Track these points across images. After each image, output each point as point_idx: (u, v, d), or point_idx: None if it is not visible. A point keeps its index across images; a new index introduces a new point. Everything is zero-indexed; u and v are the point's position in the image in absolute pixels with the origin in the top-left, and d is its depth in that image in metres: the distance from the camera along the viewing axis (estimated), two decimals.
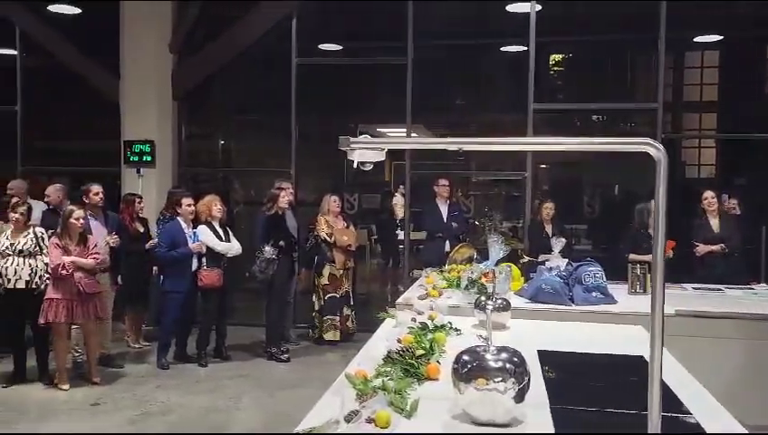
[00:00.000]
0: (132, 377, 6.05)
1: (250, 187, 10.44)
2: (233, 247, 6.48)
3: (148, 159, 8.00)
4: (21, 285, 5.50)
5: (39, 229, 5.68)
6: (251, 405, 5.41)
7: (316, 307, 7.25)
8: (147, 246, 6.67)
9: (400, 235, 10.20)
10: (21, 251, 5.51)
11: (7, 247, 5.51)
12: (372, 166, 2.20)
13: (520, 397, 1.98)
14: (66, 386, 5.61)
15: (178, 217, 6.45)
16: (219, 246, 6.37)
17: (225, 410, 5.27)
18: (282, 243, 6.55)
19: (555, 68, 10.54)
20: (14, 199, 6.00)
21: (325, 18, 8.52)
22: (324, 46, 8.98)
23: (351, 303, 7.39)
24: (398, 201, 10.99)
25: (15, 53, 8.58)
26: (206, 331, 6.51)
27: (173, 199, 6.82)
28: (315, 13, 8.15)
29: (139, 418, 5.07)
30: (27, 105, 8.64)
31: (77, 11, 8.65)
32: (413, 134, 8.07)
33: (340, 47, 9.09)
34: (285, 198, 6.68)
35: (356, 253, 7.68)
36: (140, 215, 6.90)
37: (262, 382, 6.01)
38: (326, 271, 7.15)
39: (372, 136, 2.18)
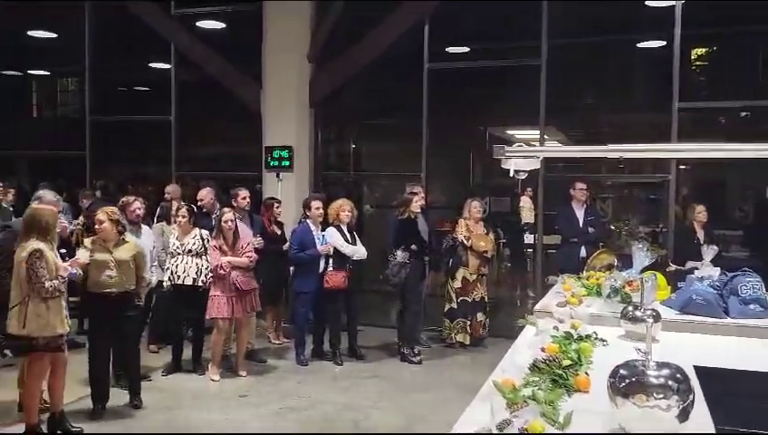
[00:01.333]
0: (275, 371, 6.37)
1: (377, 190, 10.64)
2: (358, 251, 6.66)
3: (287, 163, 8.38)
4: (188, 281, 5.96)
5: (204, 231, 6.12)
6: (387, 405, 5.52)
7: (446, 309, 7.28)
8: (285, 247, 6.99)
9: (528, 238, 9.97)
10: (190, 251, 5.97)
11: (177, 247, 5.99)
12: (527, 174, 2.22)
13: (684, 416, 1.91)
14: (217, 377, 6.02)
15: (308, 220, 6.72)
16: (346, 248, 6.57)
17: (363, 408, 5.41)
18: (414, 247, 6.66)
19: (697, 63, 9.90)
20: (176, 203, 6.51)
21: (454, 19, 8.49)
22: (452, 49, 8.99)
23: (486, 308, 7.37)
24: (526, 204, 10.75)
25: (170, 66, 9.27)
26: (337, 331, 6.72)
27: (305, 203, 7.11)
28: (444, 14, 8.13)
29: (284, 411, 5.32)
30: (180, 115, 9.27)
31: (222, 26, 9.29)
32: (545, 136, 7.88)
33: (468, 49, 9.06)
34: (418, 202, 6.77)
35: (490, 260, 7.62)
36: (278, 218, 7.27)
37: (395, 383, 6.12)
38: (459, 274, 7.16)
39: (502, 139, 2.19)
